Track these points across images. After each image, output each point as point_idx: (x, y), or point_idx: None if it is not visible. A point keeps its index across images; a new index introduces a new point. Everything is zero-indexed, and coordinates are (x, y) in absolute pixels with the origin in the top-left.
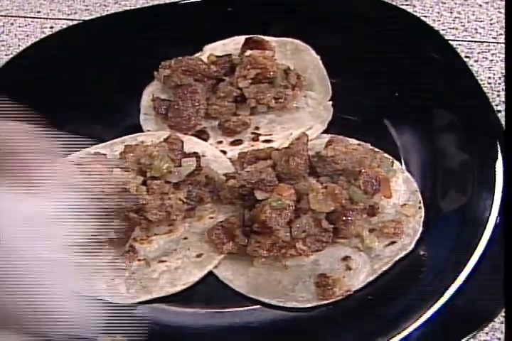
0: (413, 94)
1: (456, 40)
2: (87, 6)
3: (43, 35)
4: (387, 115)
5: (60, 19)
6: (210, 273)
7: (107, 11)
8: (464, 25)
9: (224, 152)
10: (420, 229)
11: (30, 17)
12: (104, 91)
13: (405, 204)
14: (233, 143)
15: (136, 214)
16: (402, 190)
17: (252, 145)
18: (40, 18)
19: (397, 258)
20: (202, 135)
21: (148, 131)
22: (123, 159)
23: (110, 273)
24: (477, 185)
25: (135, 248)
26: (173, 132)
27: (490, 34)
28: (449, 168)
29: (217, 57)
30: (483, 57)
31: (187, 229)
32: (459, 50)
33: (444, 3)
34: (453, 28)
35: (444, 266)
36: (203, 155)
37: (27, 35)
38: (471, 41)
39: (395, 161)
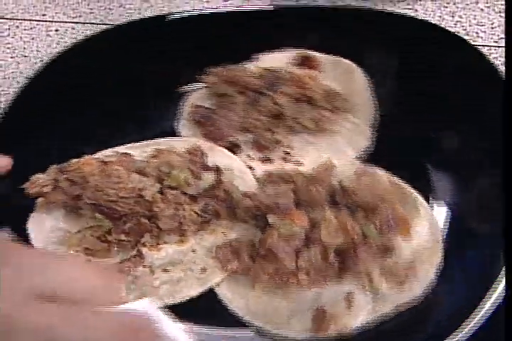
0: (461, 137)
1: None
2: (91, 9)
3: (50, 39)
4: (429, 153)
5: (66, 22)
6: (211, 290)
7: (112, 14)
8: (465, 29)
9: (251, 168)
10: (433, 276)
11: (36, 20)
12: (154, 93)
13: (423, 247)
14: (263, 160)
15: (148, 220)
16: (424, 233)
17: (281, 165)
18: (46, 21)
19: (400, 303)
20: (234, 147)
21: (183, 136)
22: (150, 161)
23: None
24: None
25: (142, 253)
26: (205, 141)
27: (491, 38)
28: (481, 219)
29: (266, 69)
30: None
31: (197, 241)
32: None
33: (446, 7)
34: (454, 32)
35: (449, 318)
36: (229, 169)
37: (32, 38)
38: (474, 45)
39: (423, 202)
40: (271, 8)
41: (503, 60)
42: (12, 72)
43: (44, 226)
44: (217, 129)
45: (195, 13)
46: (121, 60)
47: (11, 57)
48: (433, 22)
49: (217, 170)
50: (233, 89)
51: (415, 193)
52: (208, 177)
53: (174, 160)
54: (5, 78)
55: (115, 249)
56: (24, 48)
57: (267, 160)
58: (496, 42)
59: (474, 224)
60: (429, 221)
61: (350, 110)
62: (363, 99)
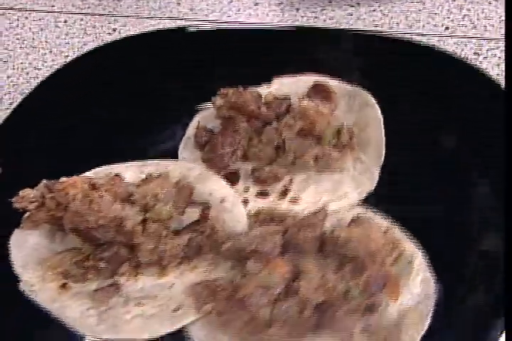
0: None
1: (466, 38)
2: (100, 0)
3: (58, 29)
4: (436, 201)
5: (74, 13)
6: (184, 328)
7: (120, 6)
8: (473, 23)
9: (246, 201)
10: (418, 340)
11: (44, 11)
12: (161, 107)
13: (412, 308)
14: (259, 194)
15: (129, 250)
16: (415, 291)
17: (277, 202)
18: (54, 12)
19: None
20: (233, 177)
21: (184, 158)
22: (139, 187)
23: (88, 301)
24: None
25: (119, 283)
26: (205, 167)
27: (499, 31)
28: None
29: (276, 98)
30: (492, 54)
31: (177, 276)
32: (467, 48)
33: (454, 1)
34: (462, 26)
35: None
36: (222, 201)
37: (41, 29)
38: (480, 38)
39: (419, 257)
40: (294, 28)
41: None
42: (21, 63)
43: (27, 243)
44: (217, 156)
45: (214, 27)
46: (126, 74)
47: (20, 48)
48: (441, 16)
49: (205, 206)
50: (238, 114)
51: (411, 248)
52: (191, 214)
53: (160, 193)
54: (14, 69)
55: (92, 275)
56: (33, 39)
57: (264, 193)
58: (504, 35)
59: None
60: (423, 279)
61: (362, 147)
62: (376, 136)
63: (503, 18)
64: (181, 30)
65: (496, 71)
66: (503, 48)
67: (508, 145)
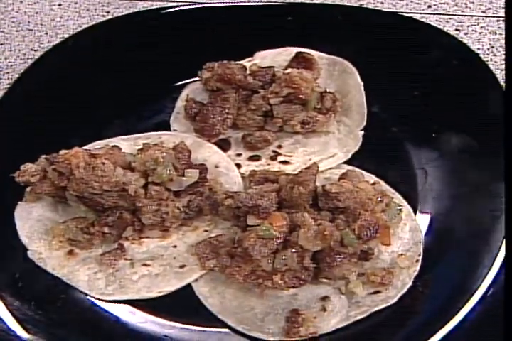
0: (454, 139)
1: (447, 14)
2: None
3: (53, 13)
4: (418, 156)
5: None
6: (188, 286)
7: None
8: (454, 0)
9: (239, 165)
10: (409, 284)
11: None
12: (149, 83)
13: (403, 254)
14: (251, 158)
15: (132, 214)
16: (405, 239)
17: (269, 164)
18: None
19: (375, 309)
20: (224, 144)
21: (175, 130)
22: (136, 156)
23: (95, 266)
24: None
25: (124, 247)
26: (196, 136)
27: (479, 8)
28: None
29: (260, 68)
30: (473, 30)
31: (179, 237)
32: (449, 24)
33: None
34: (444, 3)
35: (424, 327)
36: (217, 166)
37: (36, 12)
38: (461, 15)
39: (406, 207)
40: (272, 3)
41: (490, 28)
42: (18, 45)
43: (31, 215)
44: (208, 126)
45: (196, 6)
46: (116, 52)
47: (16, 31)
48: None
49: (202, 167)
50: (226, 86)
51: (399, 197)
52: (190, 175)
53: (160, 157)
54: (11, 50)
55: (98, 241)
56: (29, 22)
57: (255, 158)
58: (484, 12)
59: (457, 233)
60: (411, 226)
61: (344, 112)
62: (357, 100)
63: None
64: (164, 9)
65: (477, 45)
66: (483, 24)
67: (507, 146)
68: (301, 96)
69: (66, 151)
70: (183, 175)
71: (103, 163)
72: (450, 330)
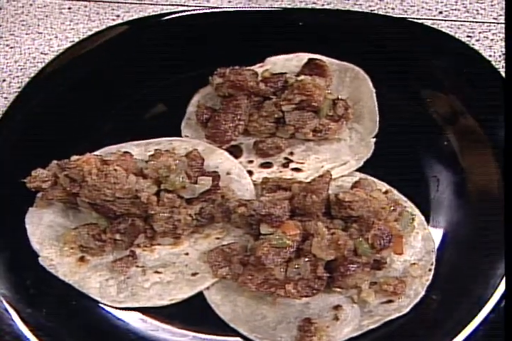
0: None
1: (459, 21)
2: None
3: (63, 16)
4: (429, 165)
5: (78, 0)
6: (200, 294)
7: None
8: (465, 7)
9: (251, 172)
10: (422, 293)
11: None
12: (161, 89)
13: (416, 263)
14: (263, 165)
15: (144, 222)
16: (417, 248)
17: (280, 171)
18: None
19: (388, 319)
20: (236, 150)
21: (187, 136)
22: (149, 162)
23: (106, 273)
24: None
25: (136, 254)
26: (208, 142)
27: (491, 15)
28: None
29: (272, 74)
30: (484, 37)
31: (191, 244)
32: (460, 31)
33: None
34: (455, 10)
35: (438, 337)
36: (229, 173)
37: (46, 16)
38: (473, 22)
39: (418, 216)
40: (283, 8)
41: (502, 35)
42: (28, 48)
43: (42, 221)
44: (220, 132)
45: (206, 10)
46: (128, 57)
47: (26, 34)
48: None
49: (215, 175)
50: (238, 92)
51: (412, 206)
52: (203, 183)
53: (173, 164)
54: (21, 54)
55: (109, 248)
56: (38, 25)
57: (267, 165)
58: (495, 18)
59: (470, 242)
60: (424, 235)
61: (356, 119)
62: (369, 107)
63: (495, 2)
64: (174, 13)
65: (489, 52)
66: (495, 31)
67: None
68: (314, 103)
69: (78, 157)
70: (196, 183)
71: (115, 170)
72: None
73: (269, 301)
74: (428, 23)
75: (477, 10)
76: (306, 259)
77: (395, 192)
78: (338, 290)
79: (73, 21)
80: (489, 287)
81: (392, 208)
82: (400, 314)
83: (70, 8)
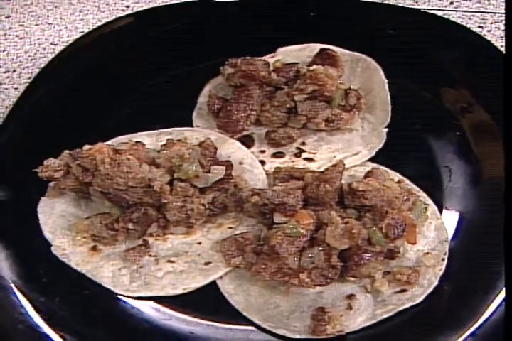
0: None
1: (470, 11)
2: None
3: (72, 7)
4: (442, 155)
5: None
6: (213, 283)
7: None
8: None
9: (263, 162)
10: (436, 283)
11: None
12: (172, 79)
13: (429, 252)
14: (275, 155)
15: (156, 211)
16: (430, 237)
17: (293, 161)
18: None
19: (401, 308)
20: (247, 140)
21: (198, 126)
22: (161, 152)
23: (119, 262)
24: None
25: (149, 243)
26: (219, 132)
27: (502, 5)
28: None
29: (284, 64)
30: (496, 27)
31: (204, 234)
32: (472, 21)
33: None
34: (466, 0)
35: (451, 326)
36: (241, 163)
37: (55, 6)
38: (484, 12)
39: (431, 205)
40: None
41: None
42: (38, 39)
43: (54, 211)
44: (232, 122)
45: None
46: (138, 47)
47: (36, 25)
48: None
49: (228, 164)
50: (250, 82)
51: (425, 196)
52: (216, 172)
53: (186, 153)
54: (31, 44)
55: (122, 237)
56: (48, 16)
57: (279, 155)
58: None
59: (482, 231)
60: (437, 225)
61: (368, 109)
62: (381, 97)
63: None
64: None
65: (501, 43)
66: (495, 21)
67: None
68: (326, 93)
69: (90, 147)
70: (209, 172)
71: (128, 159)
72: (476, 328)
73: (282, 290)
74: (439, 13)
75: (488, 0)
76: (320, 248)
77: (407, 181)
78: (352, 279)
79: (83, 12)
80: (502, 276)
81: (405, 197)
82: (414, 303)
83: None
